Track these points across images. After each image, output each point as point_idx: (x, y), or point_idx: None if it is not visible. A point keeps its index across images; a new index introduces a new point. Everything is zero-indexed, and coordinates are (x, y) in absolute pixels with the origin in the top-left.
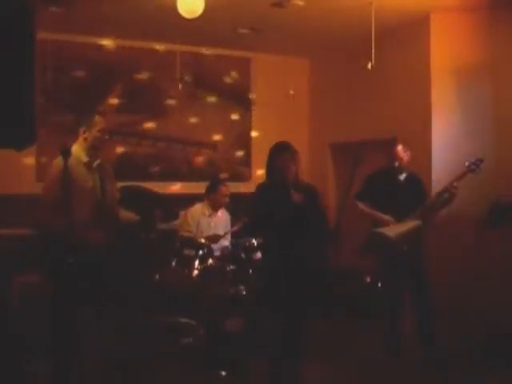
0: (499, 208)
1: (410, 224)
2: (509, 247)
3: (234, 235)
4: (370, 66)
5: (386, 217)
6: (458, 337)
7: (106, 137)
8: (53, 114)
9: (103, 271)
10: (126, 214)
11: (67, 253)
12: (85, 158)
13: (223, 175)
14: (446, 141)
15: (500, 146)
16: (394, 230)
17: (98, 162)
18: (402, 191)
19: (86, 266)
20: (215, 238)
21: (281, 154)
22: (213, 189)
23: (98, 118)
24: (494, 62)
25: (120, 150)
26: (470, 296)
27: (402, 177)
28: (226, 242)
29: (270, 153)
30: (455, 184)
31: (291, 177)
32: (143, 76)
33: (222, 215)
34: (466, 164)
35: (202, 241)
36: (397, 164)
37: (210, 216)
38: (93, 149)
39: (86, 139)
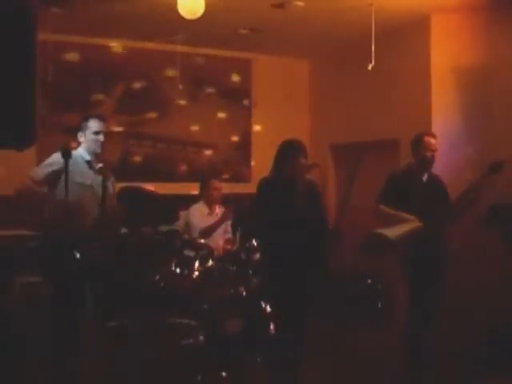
0: (499, 208)
1: (410, 224)
2: (508, 247)
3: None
4: (370, 66)
5: None
6: (458, 337)
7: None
8: (53, 114)
9: (103, 272)
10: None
11: (64, 253)
12: (88, 157)
13: (223, 175)
14: (446, 141)
15: (500, 146)
16: (393, 231)
17: (100, 165)
18: (425, 192)
19: (84, 266)
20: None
21: (296, 154)
22: (204, 185)
23: (91, 122)
24: (494, 62)
25: (120, 150)
26: (469, 296)
27: (425, 177)
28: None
29: (284, 150)
30: (478, 185)
31: (302, 178)
32: (143, 76)
33: (221, 212)
34: (487, 166)
35: (203, 241)
36: (430, 156)
37: (208, 214)
38: (90, 151)
39: (82, 143)
